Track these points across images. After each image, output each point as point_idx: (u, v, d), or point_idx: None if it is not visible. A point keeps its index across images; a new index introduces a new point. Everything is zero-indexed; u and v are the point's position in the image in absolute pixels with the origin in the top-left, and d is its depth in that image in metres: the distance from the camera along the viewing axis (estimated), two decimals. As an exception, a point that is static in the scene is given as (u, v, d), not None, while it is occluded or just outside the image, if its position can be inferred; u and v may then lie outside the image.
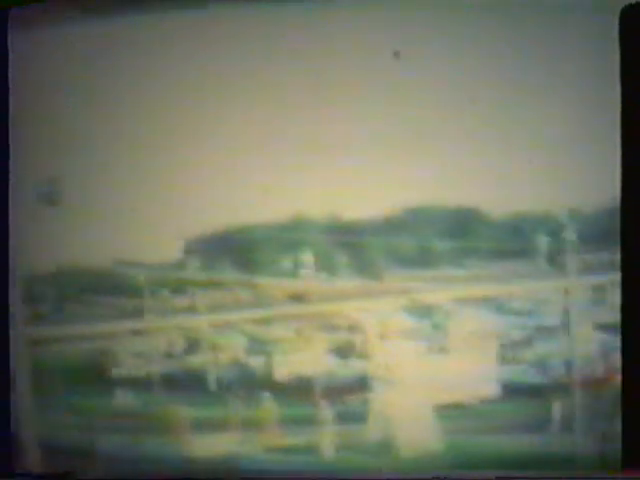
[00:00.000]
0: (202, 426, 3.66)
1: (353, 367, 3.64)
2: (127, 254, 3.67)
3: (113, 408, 3.71)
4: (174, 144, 3.63)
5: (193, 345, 3.70)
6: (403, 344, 3.65)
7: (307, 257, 3.62)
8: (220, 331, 3.69)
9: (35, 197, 3.73)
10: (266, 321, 3.67)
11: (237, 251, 3.66)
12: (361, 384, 3.62)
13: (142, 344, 3.71)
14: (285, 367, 3.63)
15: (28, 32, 3.73)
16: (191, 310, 3.69)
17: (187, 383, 3.69)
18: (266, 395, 3.63)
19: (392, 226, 3.58)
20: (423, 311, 3.71)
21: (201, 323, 3.70)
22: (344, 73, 3.57)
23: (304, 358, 3.62)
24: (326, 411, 3.62)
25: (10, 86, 3.74)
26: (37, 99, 3.77)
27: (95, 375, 3.73)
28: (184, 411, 3.68)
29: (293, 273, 3.64)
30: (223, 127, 3.61)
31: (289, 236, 3.60)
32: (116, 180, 3.66)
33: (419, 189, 3.59)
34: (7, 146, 3.84)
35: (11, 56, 3.75)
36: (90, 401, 3.74)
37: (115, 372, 3.73)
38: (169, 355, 3.71)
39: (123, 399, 3.70)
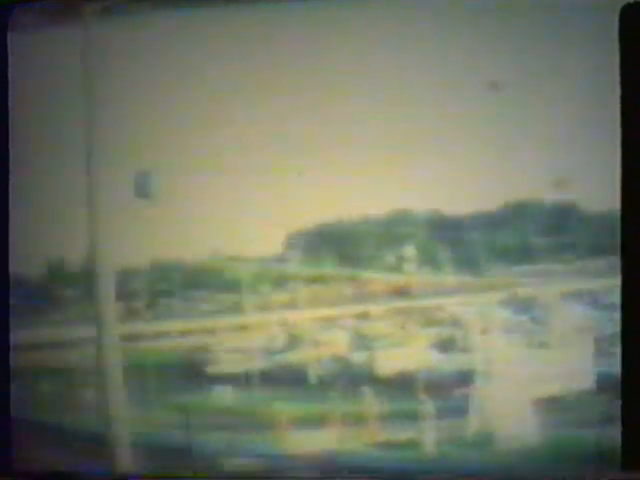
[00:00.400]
0: (302, 422, 3.59)
1: (454, 361, 3.64)
2: (226, 248, 3.64)
3: (210, 405, 3.64)
4: (276, 138, 3.55)
5: (294, 341, 3.65)
6: (503, 338, 3.64)
7: (410, 252, 3.58)
8: (322, 326, 3.63)
9: (130, 191, 3.61)
10: (368, 316, 3.64)
11: (339, 245, 3.65)
12: (462, 378, 3.68)
13: (241, 340, 3.67)
14: (387, 362, 3.61)
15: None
16: (292, 305, 3.64)
17: (287, 379, 3.64)
18: (367, 390, 3.58)
19: (493, 221, 3.54)
20: (523, 305, 3.69)
21: (302, 318, 3.64)
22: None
23: (406, 353, 3.60)
24: (427, 406, 3.59)
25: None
26: (122, 91, 3.69)
27: (192, 372, 3.70)
28: (284, 408, 3.60)
29: (396, 268, 3.60)
30: (329, 123, 3.54)
31: (392, 231, 3.56)
32: (213, 174, 3.58)
33: (518, 185, 3.56)
34: (7, 145, 3.84)
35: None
36: (187, 398, 3.67)
37: (213, 369, 3.67)
38: (269, 351, 3.66)
39: (221, 396, 3.63)
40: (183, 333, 3.78)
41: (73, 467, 3.86)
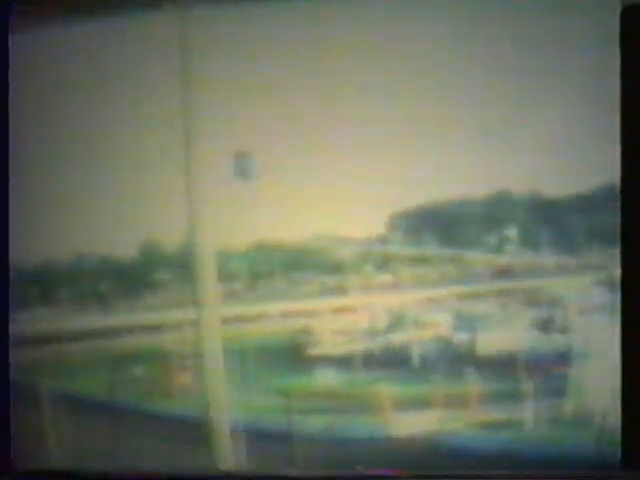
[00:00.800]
0: (405, 404, 3.59)
1: (553, 342, 3.64)
2: (329, 229, 3.63)
3: (312, 388, 3.63)
4: (378, 119, 3.55)
5: (396, 322, 3.65)
6: (601, 319, 3.62)
7: (511, 233, 3.58)
8: (424, 307, 3.63)
9: (230, 172, 3.59)
10: (470, 297, 3.62)
11: (441, 226, 3.65)
12: (561, 358, 3.63)
13: (344, 322, 3.66)
14: (488, 343, 3.59)
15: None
16: (395, 286, 3.63)
17: (390, 361, 3.64)
18: (470, 371, 3.56)
19: (591, 203, 3.56)
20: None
21: (405, 299, 3.63)
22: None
23: (508, 333, 3.56)
24: (528, 386, 3.57)
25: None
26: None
27: (294, 354, 3.70)
28: (386, 389, 3.60)
29: (497, 249, 3.60)
30: (430, 104, 3.57)
31: (492, 212, 3.56)
32: (315, 155, 3.57)
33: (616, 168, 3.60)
34: (6, 145, 3.83)
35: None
36: (288, 381, 3.65)
37: (315, 351, 3.67)
38: (372, 333, 3.66)
39: (323, 379, 3.62)
40: (285, 315, 3.80)
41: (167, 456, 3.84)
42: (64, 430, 4.11)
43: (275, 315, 4.02)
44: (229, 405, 3.93)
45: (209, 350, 3.96)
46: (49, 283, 4.22)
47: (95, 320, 4.19)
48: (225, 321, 3.96)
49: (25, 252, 4.12)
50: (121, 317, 4.16)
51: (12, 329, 4.09)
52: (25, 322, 4.15)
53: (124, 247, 4.08)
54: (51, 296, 4.22)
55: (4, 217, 4.02)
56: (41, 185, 4.12)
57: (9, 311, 3.85)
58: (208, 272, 3.88)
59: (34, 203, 4.10)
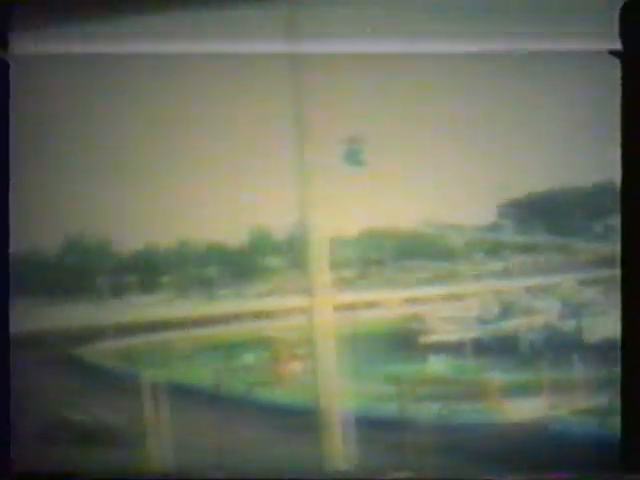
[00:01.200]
0: (514, 391, 3.62)
1: (660, 328, 3.67)
2: (440, 216, 3.65)
3: (424, 375, 3.66)
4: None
5: (506, 309, 3.68)
6: None
7: (616, 222, 3.61)
8: (533, 295, 3.65)
9: (340, 159, 3.61)
10: (579, 284, 3.64)
11: (550, 215, 3.64)
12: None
13: (455, 309, 3.69)
14: (596, 330, 3.60)
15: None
16: (505, 274, 3.65)
17: (500, 348, 3.67)
18: (577, 358, 3.58)
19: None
20: None
21: (515, 287, 3.65)
22: None
23: (614, 321, 3.59)
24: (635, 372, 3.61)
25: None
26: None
27: (405, 341, 3.72)
28: (496, 376, 3.63)
29: (603, 237, 3.62)
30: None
31: (597, 201, 3.59)
32: (425, 142, 3.60)
33: None
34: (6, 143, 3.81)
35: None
36: (399, 369, 3.67)
37: (427, 338, 3.70)
38: (482, 320, 3.68)
39: (435, 366, 3.63)
40: (396, 302, 3.79)
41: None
42: (169, 421, 4.14)
43: (387, 302, 4.05)
44: (340, 393, 4.06)
45: (320, 338, 4.10)
46: (151, 270, 4.24)
47: (201, 307, 4.22)
48: (337, 308, 4.13)
49: (125, 238, 4.14)
50: (229, 304, 4.19)
51: (108, 317, 4.13)
52: (125, 310, 4.18)
53: (233, 233, 4.15)
54: (154, 283, 4.25)
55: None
56: (144, 170, 4.13)
57: (8, 312, 3.83)
58: (320, 259, 4.02)
59: (135, 188, 4.11)
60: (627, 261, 3.54)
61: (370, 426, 3.93)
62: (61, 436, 4.09)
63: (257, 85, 4.01)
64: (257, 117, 4.09)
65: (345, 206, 3.95)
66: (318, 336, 3.96)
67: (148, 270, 4.39)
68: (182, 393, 4.04)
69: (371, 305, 4.06)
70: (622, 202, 3.56)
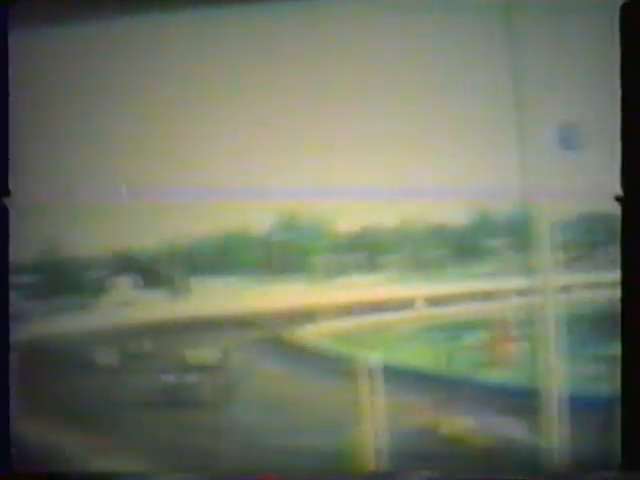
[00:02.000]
0: None
1: None
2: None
3: None
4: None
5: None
6: None
7: None
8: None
9: (553, 141, 3.62)
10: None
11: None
12: None
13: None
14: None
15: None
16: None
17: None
18: None
19: None
20: None
21: None
22: None
23: None
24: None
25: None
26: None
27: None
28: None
29: None
30: None
31: None
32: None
33: None
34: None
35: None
36: (615, 350, 3.69)
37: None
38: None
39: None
40: (617, 284, 3.72)
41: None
42: (384, 404, 4.22)
43: (609, 284, 3.97)
44: (558, 374, 3.98)
45: (543, 318, 4.05)
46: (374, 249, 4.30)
47: (421, 288, 4.26)
48: (560, 290, 3.95)
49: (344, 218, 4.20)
50: (453, 284, 4.23)
51: (323, 297, 4.16)
52: (342, 290, 4.23)
53: (455, 215, 4.23)
54: (376, 262, 4.31)
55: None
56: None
57: (8, 316, 3.92)
58: (542, 241, 3.97)
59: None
60: (627, 262, 3.45)
61: (583, 407, 3.85)
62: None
63: (477, 68, 3.96)
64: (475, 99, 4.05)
65: (562, 189, 3.87)
66: (540, 317, 3.94)
67: (369, 250, 4.47)
68: (399, 375, 4.06)
69: (594, 286, 3.97)
70: (622, 201, 3.45)
